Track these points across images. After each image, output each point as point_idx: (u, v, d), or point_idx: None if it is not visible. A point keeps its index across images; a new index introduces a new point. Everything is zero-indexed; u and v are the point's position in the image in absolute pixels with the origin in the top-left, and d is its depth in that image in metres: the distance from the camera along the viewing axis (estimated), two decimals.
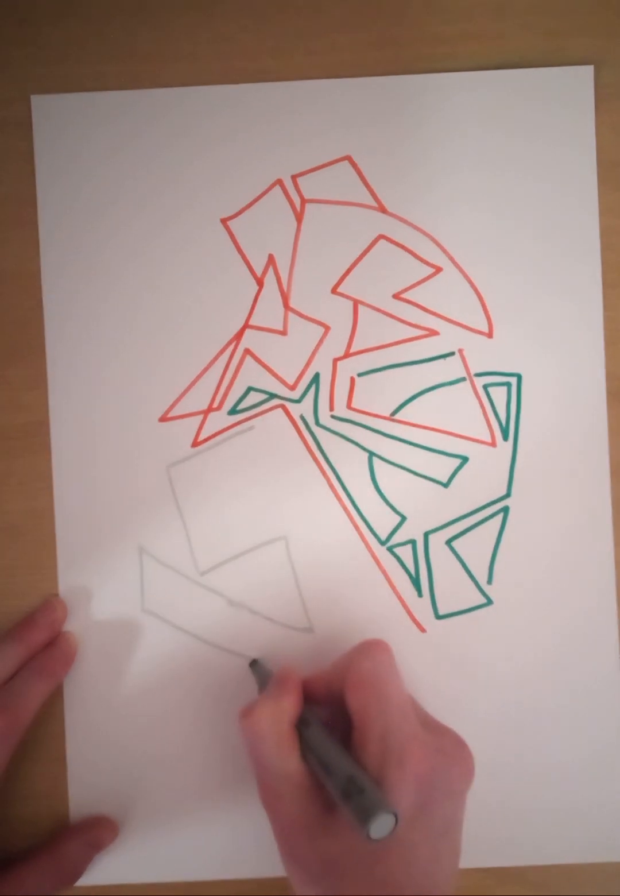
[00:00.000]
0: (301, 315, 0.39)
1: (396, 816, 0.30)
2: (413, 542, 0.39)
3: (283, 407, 0.39)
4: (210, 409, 0.39)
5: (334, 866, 0.31)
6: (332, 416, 0.39)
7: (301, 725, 0.34)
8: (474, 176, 0.39)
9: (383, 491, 0.39)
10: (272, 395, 0.39)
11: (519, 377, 0.39)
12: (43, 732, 0.38)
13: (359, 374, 0.39)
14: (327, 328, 0.39)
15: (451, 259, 0.39)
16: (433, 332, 0.39)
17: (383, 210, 0.39)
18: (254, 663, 0.38)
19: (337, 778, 0.31)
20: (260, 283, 0.39)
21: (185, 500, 0.39)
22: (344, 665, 0.35)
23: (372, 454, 0.39)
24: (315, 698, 0.35)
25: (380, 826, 0.29)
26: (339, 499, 0.39)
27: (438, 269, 0.39)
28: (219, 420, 0.39)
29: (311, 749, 0.33)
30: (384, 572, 0.39)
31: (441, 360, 0.39)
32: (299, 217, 0.39)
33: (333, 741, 0.33)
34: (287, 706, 0.34)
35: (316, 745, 0.33)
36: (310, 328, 0.39)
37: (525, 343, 0.39)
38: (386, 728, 0.32)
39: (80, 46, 0.39)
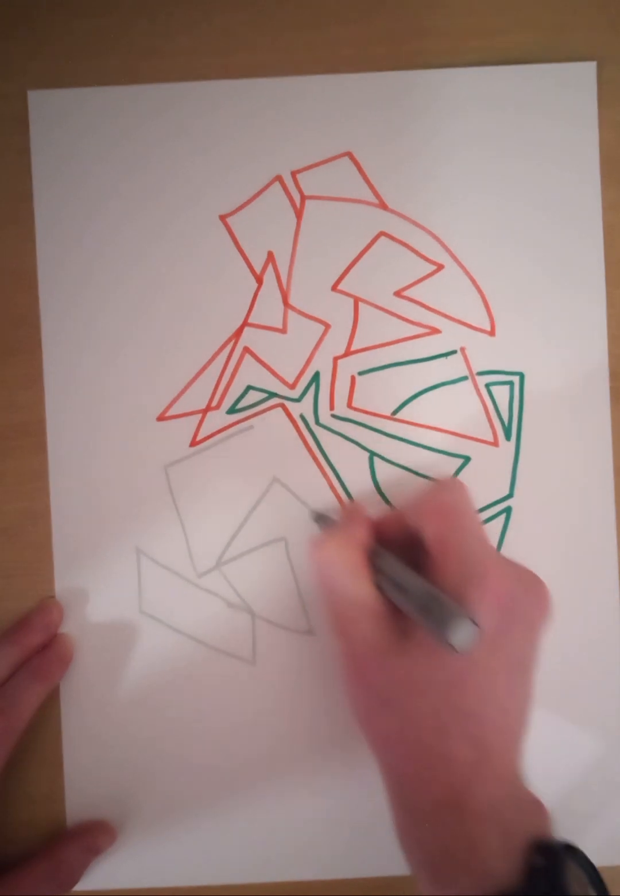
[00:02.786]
0: (301, 313, 0.39)
1: (477, 627, 0.29)
2: None
3: (283, 406, 0.39)
4: (208, 409, 0.39)
5: (407, 688, 0.31)
6: (333, 416, 0.39)
7: (373, 557, 0.34)
8: (476, 173, 0.38)
9: (384, 491, 0.38)
10: (271, 394, 0.39)
11: (522, 376, 0.39)
12: (39, 736, 0.38)
13: (360, 373, 0.39)
14: (327, 326, 0.39)
15: (453, 256, 0.38)
16: (434, 331, 0.39)
17: (384, 206, 0.38)
18: (319, 517, 0.37)
19: (415, 595, 0.31)
20: (259, 280, 0.39)
21: (184, 501, 0.38)
22: (419, 500, 0.35)
23: (372, 454, 0.39)
24: (386, 538, 0.35)
25: (461, 634, 0.28)
26: (340, 499, 0.38)
27: (439, 267, 0.38)
28: (217, 419, 0.39)
29: (386, 574, 0.33)
30: None
31: (442, 359, 0.39)
32: (299, 214, 0.38)
33: (408, 566, 0.32)
34: (358, 534, 0.34)
35: (392, 570, 0.33)
36: (310, 326, 0.39)
37: (528, 341, 0.38)
38: (466, 551, 0.32)
39: (77, 41, 0.38)
